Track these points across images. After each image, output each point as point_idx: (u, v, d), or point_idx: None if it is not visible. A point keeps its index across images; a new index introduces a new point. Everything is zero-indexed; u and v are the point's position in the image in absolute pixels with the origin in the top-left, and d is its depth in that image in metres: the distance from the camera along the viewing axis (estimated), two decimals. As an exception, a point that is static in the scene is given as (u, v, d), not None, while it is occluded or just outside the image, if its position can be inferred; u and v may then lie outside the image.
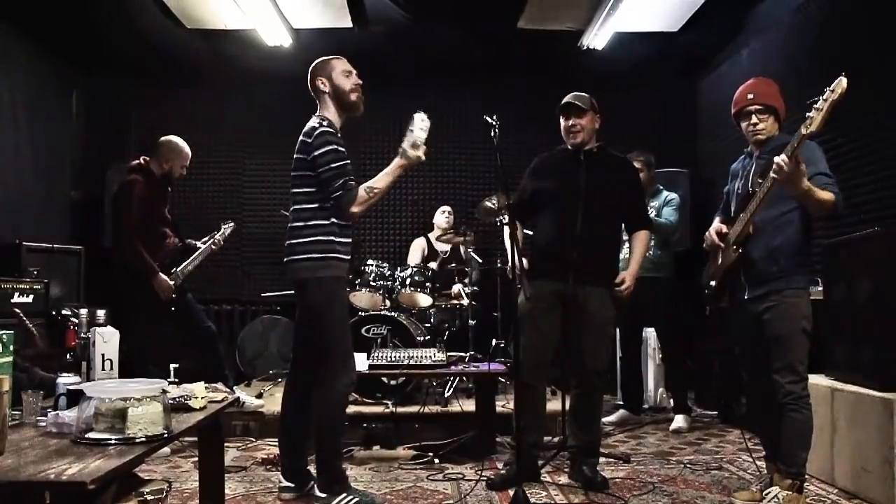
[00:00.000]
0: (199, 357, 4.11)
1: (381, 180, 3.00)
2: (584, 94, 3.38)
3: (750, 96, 2.92)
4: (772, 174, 2.62)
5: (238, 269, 6.30)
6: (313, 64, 3.10)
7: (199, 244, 4.22)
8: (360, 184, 2.98)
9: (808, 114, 2.51)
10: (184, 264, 4.11)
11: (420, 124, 3.01)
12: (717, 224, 3.05)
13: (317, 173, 2.92)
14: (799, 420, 2.76)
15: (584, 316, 3.28)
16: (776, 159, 2.60)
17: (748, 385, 3.11)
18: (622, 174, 3.46)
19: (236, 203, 6.34)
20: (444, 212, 5.61)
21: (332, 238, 2.95)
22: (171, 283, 3.98)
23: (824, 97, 2.47)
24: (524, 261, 3.27)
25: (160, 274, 3.92)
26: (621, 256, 3.77)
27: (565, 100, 3.37)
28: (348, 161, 2.95)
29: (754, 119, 2.91)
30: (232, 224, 4.49)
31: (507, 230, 3.22)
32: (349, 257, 3.05)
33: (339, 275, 3.01)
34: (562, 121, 3.39)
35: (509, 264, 3.20)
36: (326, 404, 2.98)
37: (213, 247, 4.25)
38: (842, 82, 2.45)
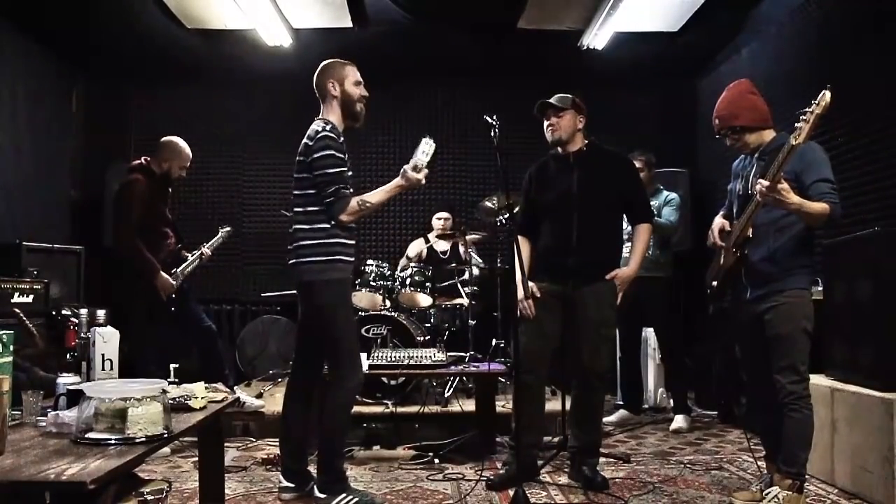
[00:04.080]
0: (199, 357, 4.12)
1: (376, 196, 3.03)
2: (566, 95, 3.38)
3: (717, 122, 2.94)
4: (757, 196, 2.64)
5: (238, 269, 6.30)
6: (326, 63, 3.10)
7: (188, 255, 4.19)
8: (358, 190, 3.00)
9: (796, 124, 2.52)
10: (183, 265, 4.10)
11: (424, 147, 3.04)
12: (719, 221, 3.04)
13: (313, 176, 2.93)
14: (800, 420, 2.75)
15: (582, 317, 3.29)
16: (757, 186, 2.61)
17: (748, 385, 3.10)
18: (617, 170, 3.44)
19: (236, 203, 6.33)
20: (440, 218, 5.61)
21: (335, 240, 2.96)
22: (173, 281, 3.98)
23: (810, 109, 2.48)
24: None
25: (161, 272, 3.92)
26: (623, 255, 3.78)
27: (540, 101, 3.38)
28: (345, 168, 2.96)
29: (728, 142, 2.94)
30: (229, 228, 4.47)
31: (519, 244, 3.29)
32: (353, 259, 3.06)
33: (343, 276, 3.02)
34: (544, 122, 3.40)
35: (518, 280, 3.22)
36: (334, 404, 2.99)
37: (202, 257, 4.23)
38: (825, 96, 2.46)
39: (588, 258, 3.27)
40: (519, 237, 3.41)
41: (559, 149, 3.41)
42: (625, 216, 3.57)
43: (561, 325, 3.33)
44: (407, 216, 6.36)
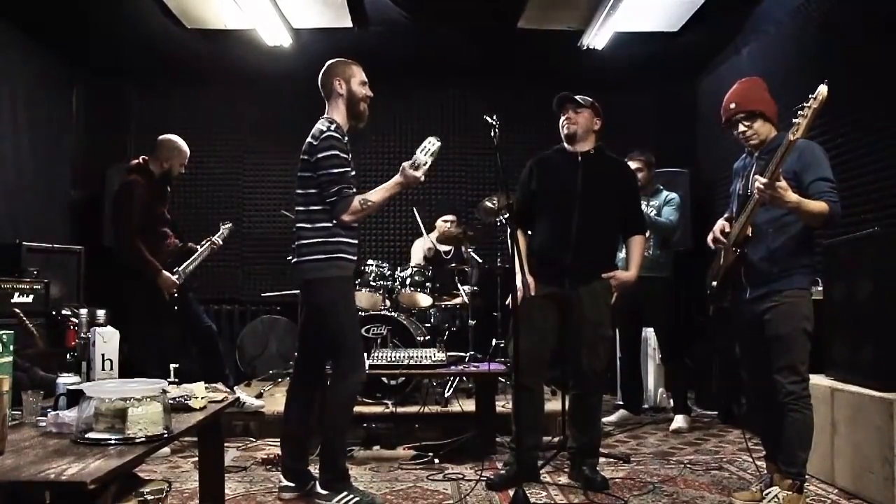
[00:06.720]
0: (199, 357, 4.12)
1: (377, 194, 3.04)
2: (587, 97, 3.39)
3: (732, 105, 2.93)
4: (756, 194, 2.64)
5: (238, 269, 6.30)
6: (333, 62, 3.11)
7: (198, 246, 4.21)
8: (358, 191, 3.01)
9: (794, 120, 2.52)
10: (185, 264, 4.10)
11: (426, 145, 3.05)
12: (720, 222, 3.05)
13: (317, 176, 2.94)
14: (800, 420, 2.75)
15: (579, 318, 3.28)
16: (756, 183, 2.61)
17: (748, 385, 3.10)
18: (619, 178, 3.45)
19: (236, 203, 6.34)
20: (446, 220, 5.60)
21: (337, 239, 2.97)
22: (175, 279, 3.98)
23: (807, 104, 2.48)
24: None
25: (163, 271, 3.92)
26: (619, 255, 3.78)
27: (561, 94, 3.37)
28: (349, 168, 2.97)
29: (741, 127, 2.91)
30: (230, 224, 4.48)
31: (517, 237, 3.25)
32: (356, 258, 3.07)
33: (345, 275, 3.03)
34: (561, 116, 3.40)
35: (517, 276, 3.20)
36: (336, 402, 3.00)
37: (214, 247, 4.24)
38: (822, 91, 2.46)
39: (585, 258, 3.28)
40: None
41: (568, 146, 3.40)
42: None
43: (557, 326, 3.33)
44: (407, 216, 6.34)
